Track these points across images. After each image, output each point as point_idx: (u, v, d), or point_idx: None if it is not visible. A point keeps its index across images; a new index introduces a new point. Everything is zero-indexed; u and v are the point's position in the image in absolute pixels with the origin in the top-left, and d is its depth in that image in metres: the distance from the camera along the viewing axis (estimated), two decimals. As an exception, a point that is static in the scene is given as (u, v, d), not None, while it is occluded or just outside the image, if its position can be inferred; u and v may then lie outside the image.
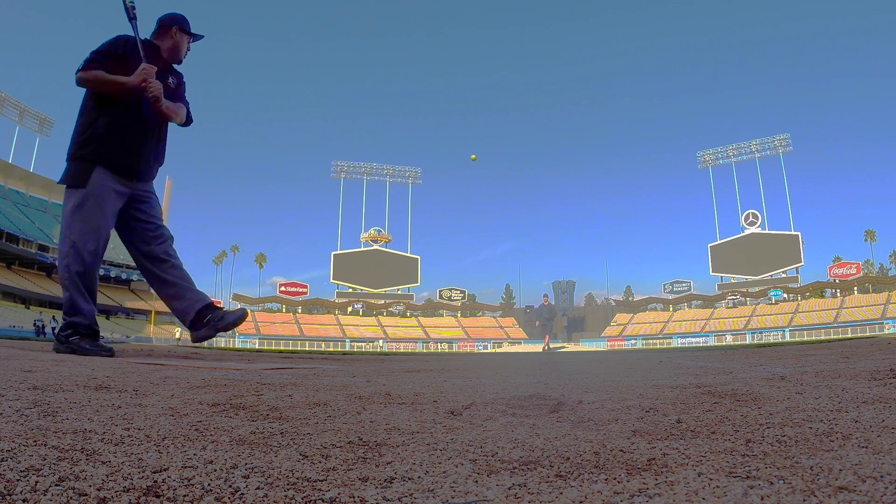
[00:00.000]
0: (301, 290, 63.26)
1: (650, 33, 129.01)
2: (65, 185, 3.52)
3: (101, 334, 3.58)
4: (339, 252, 65.30)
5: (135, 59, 3.47)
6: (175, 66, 3.83)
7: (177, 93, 3.81)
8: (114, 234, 3.71)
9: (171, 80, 3.75)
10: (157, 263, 3.68)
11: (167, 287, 3.68)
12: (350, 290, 64.52)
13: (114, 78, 3.39)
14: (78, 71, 3.40)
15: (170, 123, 3.77)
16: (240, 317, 3.69)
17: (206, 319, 3.63)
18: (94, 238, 3.48)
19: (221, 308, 3.85)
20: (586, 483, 0.69)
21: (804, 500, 0.58)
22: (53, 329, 29.53)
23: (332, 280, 64.46)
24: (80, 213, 3.44)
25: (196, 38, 3.87)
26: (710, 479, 0.68)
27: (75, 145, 3.48)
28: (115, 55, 3.46)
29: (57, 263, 3.64)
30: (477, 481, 0.70)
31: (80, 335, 3.39)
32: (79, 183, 3.45)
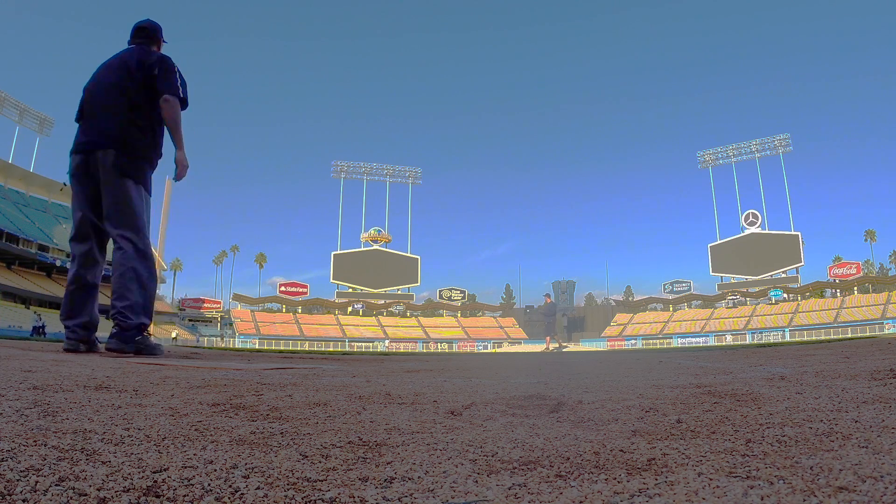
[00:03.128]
0: (301, 290, 63.26)
1: (650, 33, 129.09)
2: (137, 184, 3.58)
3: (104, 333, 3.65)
4: (339, 252, 65.28)
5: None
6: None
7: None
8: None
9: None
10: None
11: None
12: (350, 290, 64.51)
13: (181, 135, 3.66)
14: (178, 98, 3.59)
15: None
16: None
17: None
18: None
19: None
20: (586, 483, 0.69)
21: (804, 500, 0.58)
22: (42, 328, 29.42)
23: (332, 280, 64.47)
24: (148, 219, 3.62)
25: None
26: (710, 479, 0.67)
27: (152, 150, 3.64)
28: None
29: (140, 259, 3.53)
30: (477, 481, 0.70)
31: (143, 335, 3.45)
32: (149, 190, 3.65)
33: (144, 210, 3.57)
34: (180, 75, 3.66)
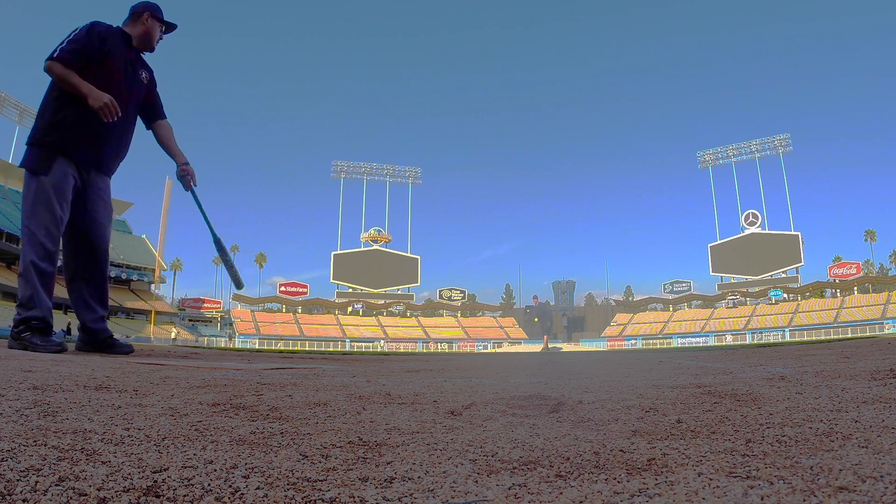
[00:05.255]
0: (301, 290, 63.29)
1: (650, 33, 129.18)
2: (25, 170, 3.41)
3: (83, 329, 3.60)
4: (339, 252, 65.31)
5: (110, 51, 3.45)
6: (147, 54, 3.76)
7: (149, 88, 3.75)
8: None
9: (143, 74, 3.69)
10: (89, 268, 3.66)
11: (80, 292, 3.65)
12: (350, 290, 64.53)
13: (79, 84, 3.31)
14: (49, 59, 3.30)
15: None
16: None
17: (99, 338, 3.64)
18: (54, 228, 3.40)
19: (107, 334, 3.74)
20: (586, 483, 0.69)
21: (804, 500, 0.58)
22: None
23: (332, 280, 64.51)
24: (41, 203, 3.37)
25: (170, 27, 3.74)
26: (710, 479, 0.67)
27: (40, 130, 3.40)
28: (90, 50, 3.38)
29: (21, 254, 3.45)
30: (477, 481, 0.70)
31: (31, 330, 3.27)
32: (42, 170, 3.37)
33: (31, 194, 3.38)
34: (85, 29, 3.40)
